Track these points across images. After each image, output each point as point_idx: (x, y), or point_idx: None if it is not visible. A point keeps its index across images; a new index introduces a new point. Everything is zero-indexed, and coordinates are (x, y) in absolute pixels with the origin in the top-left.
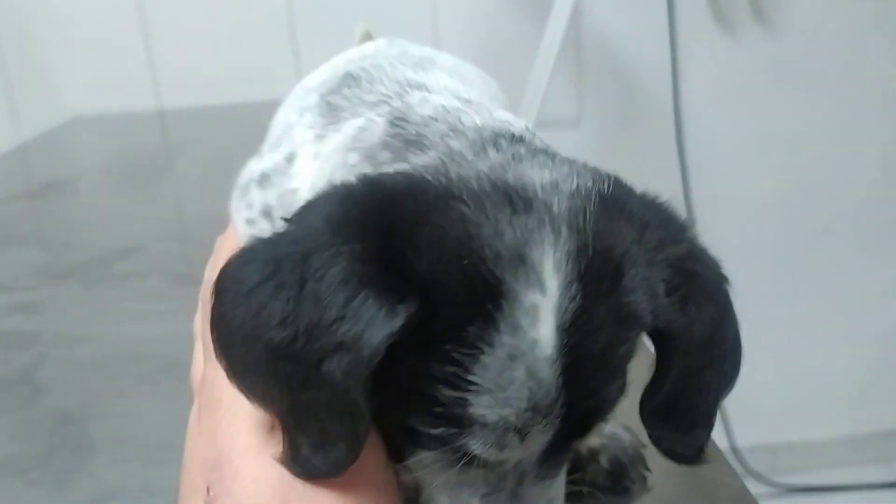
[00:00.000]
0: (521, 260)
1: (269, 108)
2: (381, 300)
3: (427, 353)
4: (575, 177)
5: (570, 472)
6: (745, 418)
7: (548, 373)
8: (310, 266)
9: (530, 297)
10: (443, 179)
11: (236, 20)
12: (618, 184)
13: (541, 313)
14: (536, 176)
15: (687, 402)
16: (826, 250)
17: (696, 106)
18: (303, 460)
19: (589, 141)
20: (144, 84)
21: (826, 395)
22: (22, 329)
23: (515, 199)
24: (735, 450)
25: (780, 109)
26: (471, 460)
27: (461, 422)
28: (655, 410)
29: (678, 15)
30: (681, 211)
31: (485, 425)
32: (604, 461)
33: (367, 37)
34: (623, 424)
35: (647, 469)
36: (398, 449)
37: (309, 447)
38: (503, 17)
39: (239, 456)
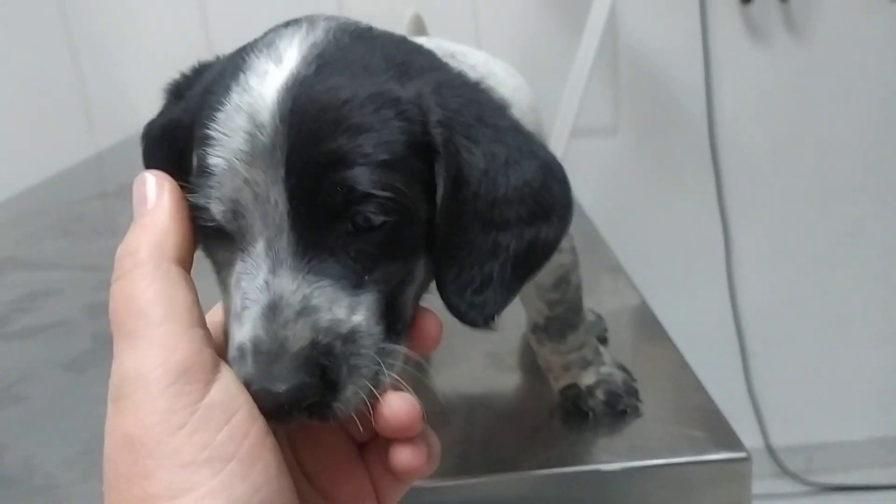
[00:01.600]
0: (269, 46)
1: None
2: (168, 105)
3: (194, 130)
4: (358, 22)
5: (574, 405)
6: (781, 418)
7: (266, 117)
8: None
9: (265, 66)
10: None
11: None
12: (404, 37)
13: (269, 77)
14: (322, 16)
15: (473, 257)
16: (858, 254)
17: (730, 114)
18: None
19: (626, 148)
20: None
21: (860, 396)
22: None
23: (291, 22)
24: (770, 449)
25: (812, 118)
26: (228, 246)
27: (205, 176)
28: (440, 256)
29: (711, 25)
30: (716, 221)
31: (216, 176)
32: (600, 394)
33: (418, 20)
34: (617, 363)
35: (639, 400)
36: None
37: None
38: (541, 28)
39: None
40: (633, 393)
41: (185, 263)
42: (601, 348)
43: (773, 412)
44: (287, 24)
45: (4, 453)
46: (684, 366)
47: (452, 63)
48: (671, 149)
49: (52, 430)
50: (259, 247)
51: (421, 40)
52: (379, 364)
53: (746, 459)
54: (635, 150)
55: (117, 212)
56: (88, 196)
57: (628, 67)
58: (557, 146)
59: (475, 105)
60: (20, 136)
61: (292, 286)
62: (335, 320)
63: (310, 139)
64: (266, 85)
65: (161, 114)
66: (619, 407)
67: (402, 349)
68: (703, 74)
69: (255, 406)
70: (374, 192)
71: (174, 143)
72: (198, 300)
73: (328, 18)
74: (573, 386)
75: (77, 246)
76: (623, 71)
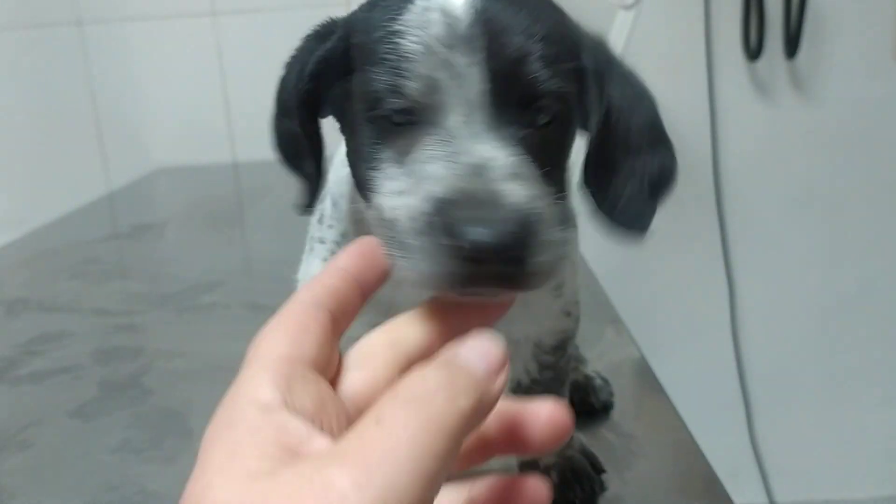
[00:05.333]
0: None
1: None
2: (315, 42)
3: (362, 57)
4: None
5: None
6: (785, 475)
7: (461, 12)
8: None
9: None
10: None
11: None
12: None
13: None
14: None
15: (620, 178)
16: (865, 312)
17: (735, 169)
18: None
19: None
20: (222, 139)
21: (866, 454)
22: (127, 345)
23: None
24: None
25: (819, 176)
26: (410, 128)
27: (397, 61)
28: (593, 176)
29: (718, 81)
30: (721, 276)
31: (411, 57)
32: (554, 477)
33: None
34: (585, 450)
35: (602, 489)
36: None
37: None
38: None
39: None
40: (592, 483)
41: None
42: (575, 434)
43: (778, 469)
44: None
45: (11, 502)
46: (682, 428)
47: None
48: (676, 202)
49: (58, 479)
50: (457, 118)
51: None
52: (560, 246)
53: None
54: None
55: (129, 253)
56: (101, 237)
57: None
58: None
59: (607, 52)
60: (35, 174)
61: (496, 153)
62: (535, 196)
63: (503, 32)
64: None
65: (304, 55)
66: (570, 497)
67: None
68: (710, 129)
69: None
70: (554, 89)
71: (324, 78)
72: None
73: None
74: (532, 464)
75: (88, 288)
76: None
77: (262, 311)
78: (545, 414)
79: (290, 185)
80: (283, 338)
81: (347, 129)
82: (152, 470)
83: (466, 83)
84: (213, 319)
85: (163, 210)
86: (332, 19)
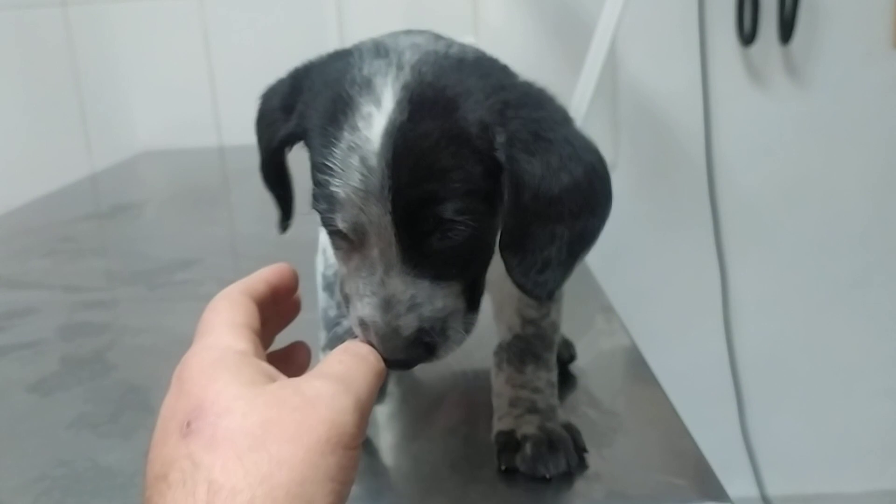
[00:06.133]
0: (368, 84)
1: None
2: (281, 118)
3: (311, 149)
4: (436, 42)
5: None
6: (777, 467)
7: (374, 162)
8: (261, 112)
9: (368, 108)
10: (349, 47)
11: None
12: (481, 53)
13: (374, 120)
14: (405, 40)
15: (535, 245)
16: (860, 303)
17: (729, 156)
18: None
19: (623, 186)
20: (208, 122)
21: (858, 447)
22: (94, 321)
23: (380, 50)
24: (765, 499)
25: (814, 163)
26: (350, 245)
27: (331, 200)
28: (508, 247)
29: (711, 66)
30: (714, 264)
31: (339, 202)
32: (528, 448)
33: None
34: (570, 426)
35: (582, 465)
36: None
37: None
38: (540, 66)
39: (229, 400)
40: (568, 459)
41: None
42: (559, 409)
43: (769, 461)
44: (377, 52)
45: None
46: (671, 410)
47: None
48: (669, 189)
49: (8, 453)
50: (375, 253)
51: None
52: (462, 331)
53: None
54: (632, 189)
55: (106, 233)
56: (79, 216)
57: (627, 106)
58: None
59: (533, 122)
60: (18, 156)
61: (402, 287)
62: (434, 309)
63: (408, 182)
64: (372, 130)
65: (273, 127)
66: (541, 471)
67: (476, 315)
68: (703, 115)
69: None
70: (456, 218)
71: (287, 147)
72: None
73: (412, 48)
74: (508, 433)
75: (61, 266)
76: (622, 110)
77: None
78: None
79: None
80: (236, 311)
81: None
82: (107, 444)
83: (382, 228)
84: (184, 297)
85: (145, 191)
86: (295, 74)
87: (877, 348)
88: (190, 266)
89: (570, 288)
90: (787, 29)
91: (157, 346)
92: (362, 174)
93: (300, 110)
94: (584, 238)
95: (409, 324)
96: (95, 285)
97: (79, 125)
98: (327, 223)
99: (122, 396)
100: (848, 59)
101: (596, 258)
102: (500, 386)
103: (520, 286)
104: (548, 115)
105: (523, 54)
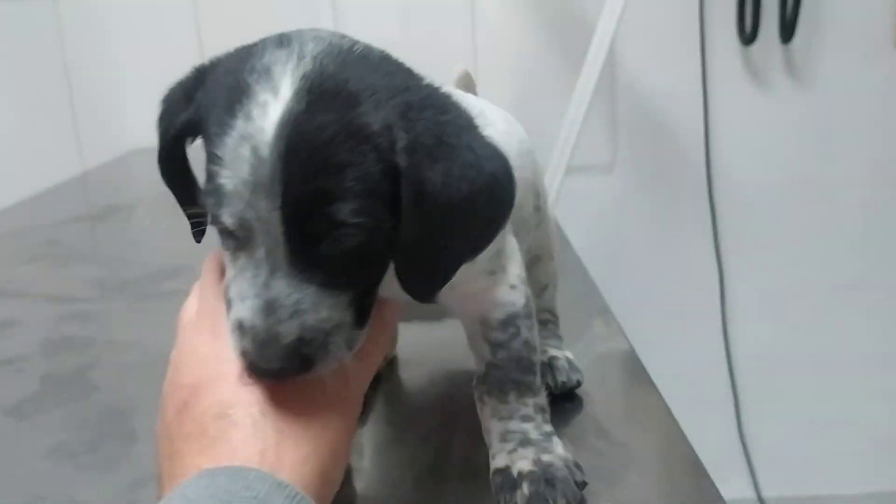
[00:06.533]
0: (266, 72)
1: None
2: (182, 108)
3: (206, 140)
4: (342, 38)
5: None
6: (773, 469)
7: (266, 152)
8: (163, 103)
9: (264, 96)
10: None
11: None
12: (386, 54)
13: (269, 109)
14: (310, 33)
15: (428, 254)
16: (858, 305)
17: (728, 156)
18: None
19: (622, 186)
20: None
21: (855, 449)
22: (78, 335)
23: (283, 41)
24: (761, 500)
25: (813, 163)
26: (237, 244)
27: (218, 193)
28: (401, 253)
29: (711, 65)
30: (712, 265)
31: (226, 195)
32: (525, 488)
33: (467, 77)
34: (569, 458)
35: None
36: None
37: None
38: (539, 64)
39: (225, 375)
40: (569, 497)
41: None
42: (555, 437)
43: (766, 462)
44: (280, 42)
45: None
46: (668, 415)
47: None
48: (667, 189)
49: None
50: (261, 253)
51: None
52: (346, 347)
53: None
54: (631, 188)
55: (95, 236)
56: (68, 218)
57: (627, 105)
58: (552, 182)
59: (437, 126)
60: (7, 154)
61: (287, 290)
62: (319, 319)
63: (300, 176)
64: (266, 119)
65: (173, 117)
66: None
67: (364, 332)
68: (703, 115)
69: None
70: (350, 220)
71: (187, 138)
72: None
73: (316, 39)
74: (504, 472)
75: (45, 273)
76: (621, 109)
77: None
78: None
79: None
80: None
81: None
82: (85, 478)
83: (269, 225)
84: (173, 308)
85: (136, 190)
86: (200, 67)
87: (874, 350)
88: (179, 274)
89: (568, 290)
90: (788, 28)
91: (141, 364)
92: (252, 165)
93: (198, 99)
94: (476, 247)
95: (289, 330)
96: (81, 295)
97: (69, 122)
98: (215, 219)
99: (103, 422)
100: (849, 58)
101: (594, 259)
102: (486, 420)
103: (405, 290)
104: (452, 119)
105: (523, 54)
